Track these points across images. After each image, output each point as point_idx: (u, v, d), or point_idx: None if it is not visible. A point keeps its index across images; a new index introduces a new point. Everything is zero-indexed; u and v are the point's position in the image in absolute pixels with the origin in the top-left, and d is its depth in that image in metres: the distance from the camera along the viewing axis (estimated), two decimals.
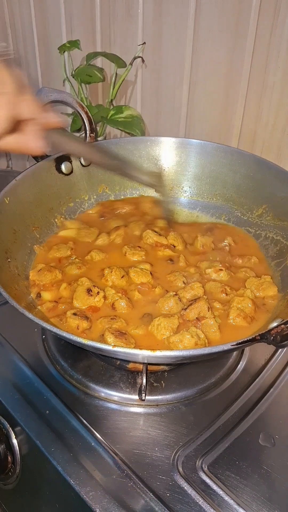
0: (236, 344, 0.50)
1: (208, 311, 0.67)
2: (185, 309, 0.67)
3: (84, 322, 0.65)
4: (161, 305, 0.69)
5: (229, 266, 0.77)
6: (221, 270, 0.76)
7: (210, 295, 0.71)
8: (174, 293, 0.70)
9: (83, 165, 0.87)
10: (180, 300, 0.69)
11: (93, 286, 0.70)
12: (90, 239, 0.82)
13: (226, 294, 0.71)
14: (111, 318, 0.66)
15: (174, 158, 0.91)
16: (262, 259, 0.80)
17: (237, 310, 0.67)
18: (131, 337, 0.64)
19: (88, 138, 0.88)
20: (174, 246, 0.81)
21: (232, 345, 0.51)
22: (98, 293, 0.69)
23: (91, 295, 0.69)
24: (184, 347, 0.62)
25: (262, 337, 0.50)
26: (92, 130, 0.88)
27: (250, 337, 0.50)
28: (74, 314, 0.66)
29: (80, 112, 0.87)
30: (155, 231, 0.82)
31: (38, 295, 0.70)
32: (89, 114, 0.87)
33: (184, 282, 0.73)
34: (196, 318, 0.66)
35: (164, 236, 0.82)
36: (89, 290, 0.69)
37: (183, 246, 0.81)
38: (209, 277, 0.75)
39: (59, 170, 0.84)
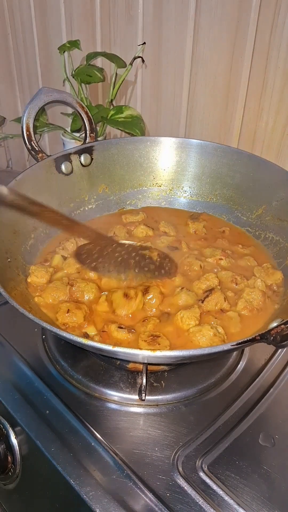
0: (236, 344, 0.51)
1: (225, 301, 0.68)
2: (202, 301, 0.68)
3: (131, 334, 0.64)
4: (175, 301, 0.70)
5: (230, 253, 0.79)
6: (221, 259, 0.77)
7: (221, 285, 0.73)
8: (180, 288, 0.71)
9: (83, 165, 0.87)
10: (189, 291, 0.70)
11: (126, 288, 0.68)
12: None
13: (237, 284, 0.72)
14: (143, 321, 0.66)
15: (174, 158, 0.91)
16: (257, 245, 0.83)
17: (244, 302, 0.68)
18: (165, 338, 0.63)
19: (88, 138, 0.88)
20: (166, 233, 0.82)
21: (232, 345, 0.51)
22: (136, 294, 0.68)
23: (130, 297, 0.67)
24: (202, 336, 0.62)
25: (262, 337, 0.50)
26: (92, 130, 0.88)
27: (250, 337, 0.50)
28: (120, 327, 0.64)
29: (80, 112, 0.87)
30: (147, 226, 0.85)
31: (86, 335, 0.65)
32: (89, 114, 0.87)
33: (201, 266, 0.75)
34: (221, 309, 0.68)
35: (152, 228, 0.84)
36: (125, 295, 0.67)
37: (175, 232, 0.84)
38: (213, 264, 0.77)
39: (59, 170, 0.84)
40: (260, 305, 0.69)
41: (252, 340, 0.50)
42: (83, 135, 0.89)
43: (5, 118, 1.34)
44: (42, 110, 1.10)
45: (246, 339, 0.50)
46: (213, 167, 0.89)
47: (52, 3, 1.19)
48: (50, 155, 0.82)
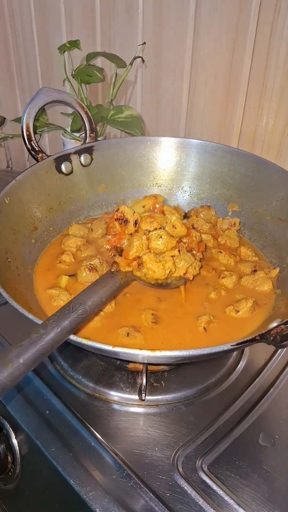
0: (236, 344, 0.51)
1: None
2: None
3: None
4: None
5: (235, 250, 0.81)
6: (220, 252, 0.79)
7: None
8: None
9: (83, 165, 0.87)
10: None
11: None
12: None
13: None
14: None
15: (174, 158, 0.91)
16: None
17: (232, 311, 0.69)
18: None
19: (88, 138, 0.88)
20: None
21: (232, 345, 0.51)
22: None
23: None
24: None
25: (262, 337, 0.50)
26: (92, 130, 0.88)
27: (250, 337, 0.50)
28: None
29: (80, 112, 0.87)
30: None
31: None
32: (89, 114, 0.87)
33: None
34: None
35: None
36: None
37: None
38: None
39: (59, 170, 0.84)
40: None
41: (252, 340, 0.50)
42: (83, 135, 0.89)
43: (5, 118, 1.34)
44: (42, 110, 1.10)
45: (246, 339, 0.50)
46: (213, 167, 0.89)
47: (52, 3, 1.19)
48: (50, 155, 0.82)
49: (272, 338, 0.49)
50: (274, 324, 0.54)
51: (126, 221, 0.72)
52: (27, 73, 1.39)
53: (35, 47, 1.31)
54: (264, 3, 0.84)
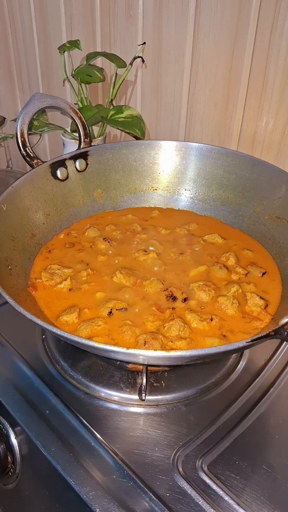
0: (251, 341, 0.50)
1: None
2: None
3: None
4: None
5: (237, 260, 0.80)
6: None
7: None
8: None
9: (78, 171, 0.87)
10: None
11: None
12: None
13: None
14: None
15: (169, 161, 0.92)
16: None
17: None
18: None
19: (82, 144, 0.88)
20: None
21: (247, 342, 0.50)
22: None
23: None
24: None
25: (276, 333, 0.50)
26: (87, 135, 0.88)
27: (265, 333, 0.50)
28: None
29: (74, 118, 0.87)
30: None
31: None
32: (83, 120, 0.87)
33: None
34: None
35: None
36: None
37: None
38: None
39: (54, 176, 0.83)
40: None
41: (267, 336, 0.50)
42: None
43: (5, 118, 1.34)
44: (42, 110, 1.10)
45: (260, 335, 0.50)
46: (208, 169, 0.89)
47: (52, 3, 1.19)
48: (45, 161, 0.82)
49: (286, 333, 0.50)
50: (286, 319, 0.54)
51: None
52: (27, 73, 1.40)
53: (35, 47, 1.31)
54: (264, 3, 0.84)
